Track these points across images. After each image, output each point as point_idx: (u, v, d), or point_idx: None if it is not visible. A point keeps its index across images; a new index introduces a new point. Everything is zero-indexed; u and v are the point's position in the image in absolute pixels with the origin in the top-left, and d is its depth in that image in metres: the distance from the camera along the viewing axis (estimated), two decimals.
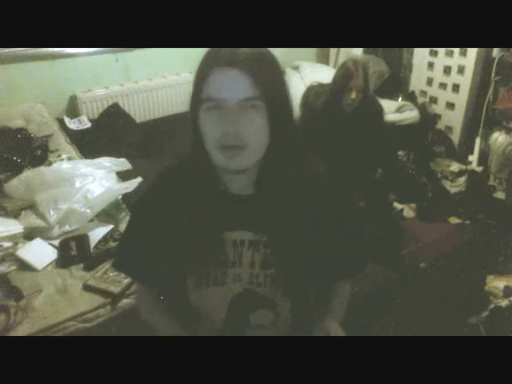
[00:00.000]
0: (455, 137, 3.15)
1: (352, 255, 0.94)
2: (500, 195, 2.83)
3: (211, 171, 0.83)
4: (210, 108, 0.75)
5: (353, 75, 2.04)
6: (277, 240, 0.84)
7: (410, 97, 3.32)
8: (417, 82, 3.34)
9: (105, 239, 1.72)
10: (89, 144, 2.60)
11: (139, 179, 1.90)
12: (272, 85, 0.75)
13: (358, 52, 3.45)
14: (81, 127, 2.78)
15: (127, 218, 1.80)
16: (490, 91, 2.82)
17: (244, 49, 0.74)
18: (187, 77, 3.21)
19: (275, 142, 0.79)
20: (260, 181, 0.84)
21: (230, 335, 0.88)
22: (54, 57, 2.77)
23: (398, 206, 2.73)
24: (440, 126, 3.22)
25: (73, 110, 2.94)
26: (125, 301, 1.46)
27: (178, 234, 0.83)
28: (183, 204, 0.84)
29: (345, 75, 2.08)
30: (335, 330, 0.80)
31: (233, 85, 0.73)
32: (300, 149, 0.87)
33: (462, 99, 3.02)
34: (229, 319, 0.88)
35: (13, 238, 1.65)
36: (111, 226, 1.77)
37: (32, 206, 1.78)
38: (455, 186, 2.93)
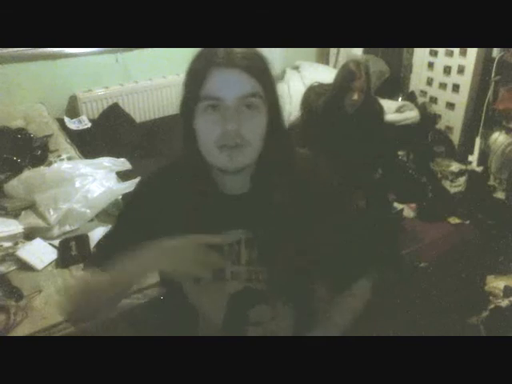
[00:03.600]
0: (455, 137, 3.14)
1: (351, 255, 0.93)
2: (500, 195, 2.82)
3: (205, 172, 0.83)
4: (208, 108, 0.74)
5: (355, 76, 2.04)
6: (272, 237, 0.83)
7: (410, 97, 3.31)
8: (417, 82, 3.33)
9: None
10: (89, 144, 2.59)
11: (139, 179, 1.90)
12: (268, 82, 0.77)
13: (358, 52, 3.45)
14: (81, 127, 2.78)
15: None
16: (490, 91, 2.81)
17: (238, 49, 0.75)
18: None
19: (270, 141, 0.79)
20: (255, 180, 0.84)
21: (228, 333, 0.88)
22: (54, 57, 2.77)
23: (398, 205, 2.73)
24: (440, 126, 3.21)
25: (73, 110, 2.94)
26: (125, 301, 1.46)
27: (171, 234, 0.83)
28: (176, 205, 0.83)
29: (347, 76, 2.08)
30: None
31: (231, 83, 0.73)
32: (292, 147, 0.87)
33: (462, 99, 3.02)
34: (228, 317, 0.87)
35: (13, 238, 1.64)
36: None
37: (32, 206, 1.78)
38: (455, 186, 2.92)
